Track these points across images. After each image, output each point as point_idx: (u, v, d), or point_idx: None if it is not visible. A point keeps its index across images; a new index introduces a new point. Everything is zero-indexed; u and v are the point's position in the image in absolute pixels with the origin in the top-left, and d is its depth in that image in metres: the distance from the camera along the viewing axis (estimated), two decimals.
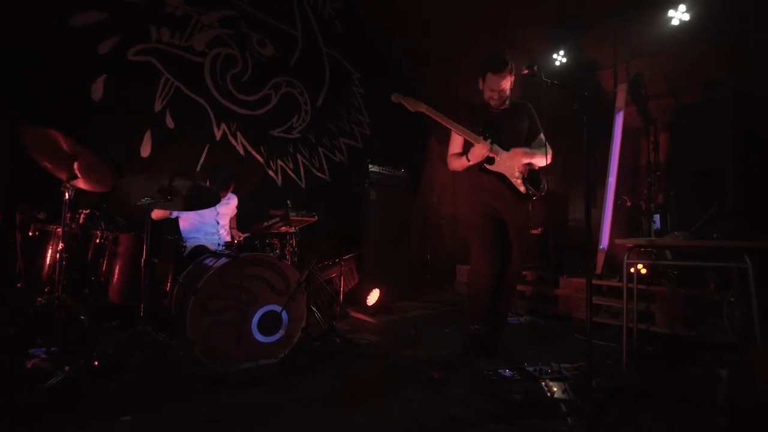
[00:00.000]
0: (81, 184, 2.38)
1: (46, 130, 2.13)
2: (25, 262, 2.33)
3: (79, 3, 3.34)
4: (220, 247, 2.95)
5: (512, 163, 2.63)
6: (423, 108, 2.52)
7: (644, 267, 3.25)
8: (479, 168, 2.62)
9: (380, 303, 4.10)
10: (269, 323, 2.47)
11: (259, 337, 2.43)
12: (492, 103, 2.67)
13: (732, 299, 2.76)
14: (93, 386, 1.95)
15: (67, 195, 2.22)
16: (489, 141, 2.53)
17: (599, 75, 4.75)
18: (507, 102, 2.74)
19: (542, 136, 2.77)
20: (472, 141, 2.57)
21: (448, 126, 2.57)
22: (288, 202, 3.18)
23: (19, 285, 2.32)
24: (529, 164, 2.70)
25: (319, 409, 1.92)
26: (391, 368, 2.48)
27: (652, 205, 3.81)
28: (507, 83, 2.62)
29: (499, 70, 2.58)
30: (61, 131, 2.15)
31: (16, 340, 2.07)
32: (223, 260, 2.41)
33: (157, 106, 3.76)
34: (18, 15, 3.07)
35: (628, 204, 4.08)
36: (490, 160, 2.61)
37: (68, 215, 2.26)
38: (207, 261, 2.60)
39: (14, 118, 2.67)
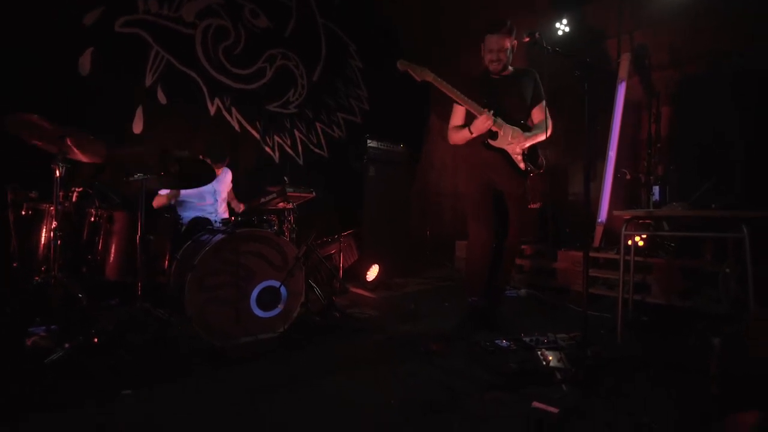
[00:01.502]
0: (77, 156, 2.35)
1: (30, 116, 2.08)
2: (20, 242, 2.32)
3: None
4: (218, 224, 2.94)
5: (514, 140, 2.59)
6: (430, 77, 2.43)
7: (642, 239, 3.25)
8: (482, 142, 2.56)
9: (380, 279, 4.13)
10: (268, 298, 2.49)
11: (258, 312, 2.45)
12: (492, 67, 2.59)
13: (727, 270, 2.77)
14: (93, 362, 1.97)
15: (58, 173, 2.18)
16: (492, 113, 2.47)
17: (602, 45, 4.62)
18: (509, 68, 2.66)
19: (544, 103, 2.72)
20: (475, 113, 2.50)
21: (453, 97, 2.48)
22: (285, 178, 3.14)
23: (14, 264, 2.32)
24: None
25: (319, 383, 1.94)
26: (390, 342, 2.51)
27: (651, 178, 3.78)
28: (507, 43, 2.55)
29: (498, 29, 2.53)
30: (46, 114, 2.10)
31: (14, 318, 2.08)
32: (219, 236, 2.40)
33: (148, 81, 3.67)
34: None
35: (628, 177, 4.05)
36: (493, 135, 2.55)
37: (61, 193, 2.24)
38: (204, 237, 2.59)
39: None
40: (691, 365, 2.04)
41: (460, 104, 2.52)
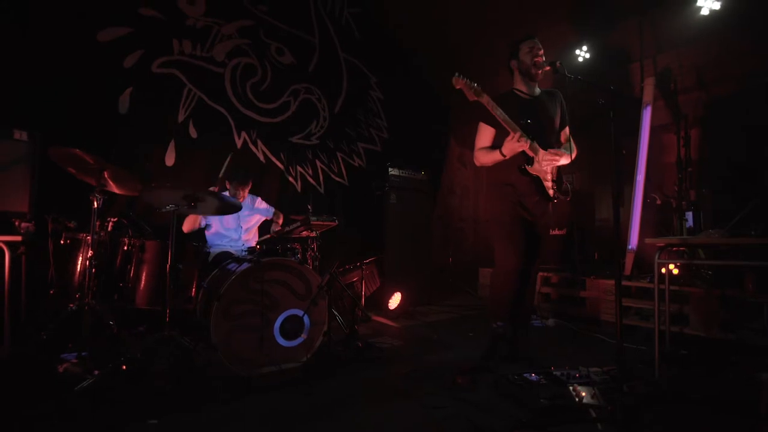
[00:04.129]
0: (113, 189, 2.48)
1: (72, 150, 2.22)
2: (57, 270, 2.43)
3: (104, 20, 3.47)
4: (244, 253, 2.99)
5: (547, 167, 2.54)
6: (484, 100, 2.33)
7: (676, 267, 3.12)
8: (518, 167, 2.49)
9: (402, 307, 4.08)
10: (291, 327, 2.49)
11: (282, 342, 2.45)
12: (534, 69, 2.51)
13: None
14: (121, 390, 2.00)
15: (95, 204, 2.30)
16: (530, 140, 2.40)
17: (625, 70, 4.61)
18: (537, 89, 2.64)
19: (567, 129, 2.69)
20: (524, 144, 2.38)
21: (501, 122, 2.39)
22: (309, 207, 3.20)
23: (51, 292, 2.42)
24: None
25: (342, 414, 1.91)
26: (413, 373, 2.45)
27: (683, 203, 3.65)
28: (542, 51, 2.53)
29: (533, 36, 2.53)
30: (87, 149, 2.25)
31: (49, 344, 2.15)
32: (245, 265, 2.44)
33: (181, 117, 3.87)
34: (49, 33, 3.20)
35: (658, 202, 3.93)
36: (530, 161, 2.48)
37: (97, 223, 2.34)
38: (230, 266, 2.64)
39: (44, 130, 2.80)
40: (737, 402, 1.90)
41: (506, 129, 2.41)
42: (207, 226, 3.35)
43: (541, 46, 2.55)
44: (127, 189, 2.54)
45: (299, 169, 4.67)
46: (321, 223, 3.22)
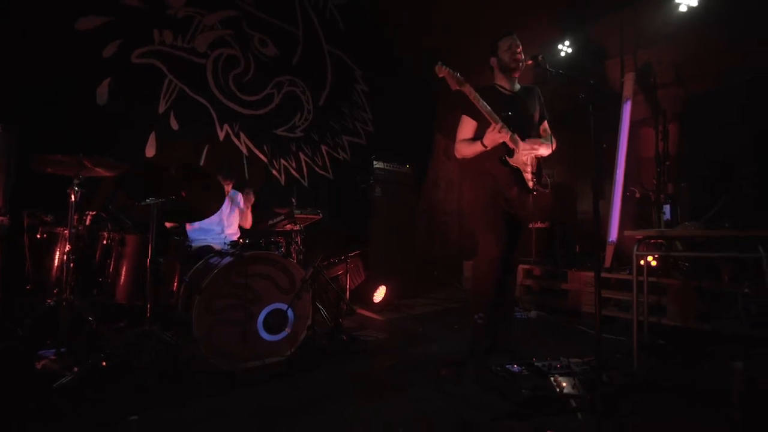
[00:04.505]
0: (98, 172, 2.42)
1: (53, 156, 2.18)
2: (34, 265, 2.36)
3: (83, 8, 3.36)
4: (226, 247, 2.96)
5: (526, 158, 2.56)
6: (466, 89, 2.34)
7: (654, 259, 3.20)
8: (498, 158, 2.50)
9: (387, 300, 4.09)
10: (275, 321, 2.47)
11: (265, 336, 2.44)
12: (513, 66, 2.53)
13: (746, 291, 2.70)
14: (101, 386, 1.96)
15: (73, 197, 2.23)
16: (510, 129, 2.43)
17: (606, 65, 4.67)
18: (517, 85, 2.66)
19: (546, 123, 2.72)
20: (507, 136, 2.42)
21: (482, 111, 2.40)
22: (293, 200, 3.17)
23: (28, 287, 2.35)
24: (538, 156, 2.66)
25: (327, 408, 1.91)
26: (398, 366, 2.47)
27: (661, 196, 3.74)
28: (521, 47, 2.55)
29: (512, 33, 2.55)
30: (64, 142, 2.18)
31: (26, 341, 2.09)
32: (228, 259, 2.41)
33: (161, 108, 3.78)
34: (25, 21, 3.09)
35: (637, 195, 4.02)
36: (510, 152, 2.49)
37: (75, 217, 2.28)
38: (212, 260, 2.60)
39: (20, 122, 2.71)
40: (712, 390, 1.97)
41: (488, 120, 2.42)
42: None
43: (519, 42, 2.57)
44: (112, 168, 2.47)
45: (283, 162, 4.63)
46: (305, 216, 3.20)
